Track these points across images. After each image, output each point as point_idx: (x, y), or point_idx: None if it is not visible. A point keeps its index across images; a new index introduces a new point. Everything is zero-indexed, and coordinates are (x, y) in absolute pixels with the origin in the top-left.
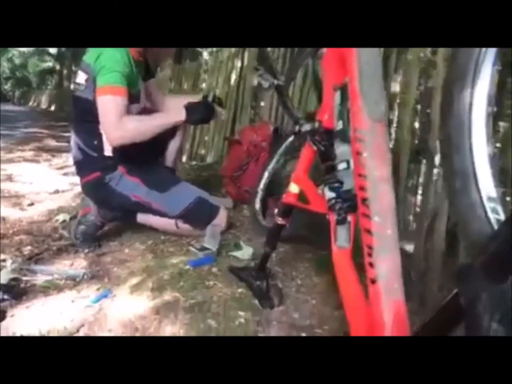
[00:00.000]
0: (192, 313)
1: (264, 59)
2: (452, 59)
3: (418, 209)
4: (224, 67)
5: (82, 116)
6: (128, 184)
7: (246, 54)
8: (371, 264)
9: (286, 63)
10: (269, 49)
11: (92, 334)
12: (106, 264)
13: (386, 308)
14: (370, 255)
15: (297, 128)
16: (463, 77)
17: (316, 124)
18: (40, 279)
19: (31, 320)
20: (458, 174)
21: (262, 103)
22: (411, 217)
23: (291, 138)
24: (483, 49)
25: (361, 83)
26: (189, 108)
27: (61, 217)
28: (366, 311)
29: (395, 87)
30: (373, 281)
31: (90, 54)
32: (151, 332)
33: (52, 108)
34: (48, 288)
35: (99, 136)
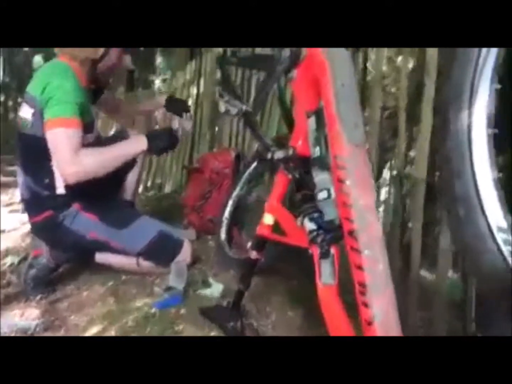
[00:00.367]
0: None
1: (228, 85)
2: (446, 78)
3: None
4: (179, 94)
5: (30, 154)
6: (83, 222)
7: (202, 81)
8: (365, 304)
9: (250, 88)
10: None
11: None
12: (62, 312)
13: None
14: (363, 293)
15: (269, 155)
16: (458, 97)
17: (290, 151)
18: None
19: None
20: (461, 201)
21: (216, 129)
22: None
23: (254, 164)
24: (479, 66)
25: (338, 107)
26: (151, 136)
27: (8, 260)
28: None
29: None
30: (369, 323)
31: (35, 85)
32: None
33: None
34: None
35: (50, 174)
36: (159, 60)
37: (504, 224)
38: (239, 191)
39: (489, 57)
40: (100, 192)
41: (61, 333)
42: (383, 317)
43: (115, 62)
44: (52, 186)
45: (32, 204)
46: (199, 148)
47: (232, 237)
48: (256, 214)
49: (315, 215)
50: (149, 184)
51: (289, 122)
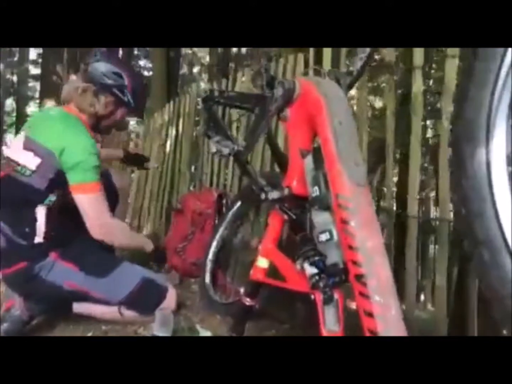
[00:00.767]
0: None
1: (216, 125)
2: (459, 117)
3: None
4: (158, 135)
5: (16, 201)
6: (61, 272)
7: (180, 122)
8: None
9: (240, 127)
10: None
11: None
12: None
13: None
14: None
15: (263, 195)
16: (474, 134)
17: (285, 191)
18: None
19: None
20: (484, 244)
21: (193, 168)
22: None
23: (238, 204)
24: (495, 102)
25: (337, 145)
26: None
27: None
28: None
29: None
30: None
31: (47, 137)
32: None
33: None
34: None
35: (33, 222)
36: None
37: None
38: (223, 232)
39: (504, 94)
40: (78, 239)
41: None
42: None
43: (118, 119)
44: (31, 236)
45: (6, 255)
46: (178, 188)
47: (216, 280)
48: (241, 256)
49: (316, 258)
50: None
51: (280, 160)
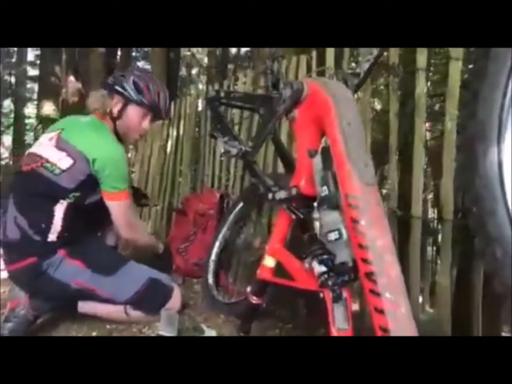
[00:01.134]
0: None
1: (222, 126)
2: (471, 116)
3: None
4: (159, 136)
5: (38, 196)
6: (68, 269)
7: (181, 123)
8: None
9: (249, 128)
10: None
11: None
12: None
13: None
14: None
15: (270, 195)
16: (486, 134)
17: (293, 191)
18: None
19: None
20: (497, 241)
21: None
22: None
23: (240, 205)
24: (506, 102)
25: (346, 146)
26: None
27: None
28: None
29: None
30: None
31: (81, 141)
32: None
33: None
34: None
35: (50, 218)
36: None
37: None
38: (226, 232)
39: None
40: (86, 238)
41: None
42: None
43: (134, 122)
44: (46, 232)
45: (16, 248)
46: (179, 189)
47: (219, 280)
48: (243, 256)
49: (325, 256)
50: None
51: (285, 161)
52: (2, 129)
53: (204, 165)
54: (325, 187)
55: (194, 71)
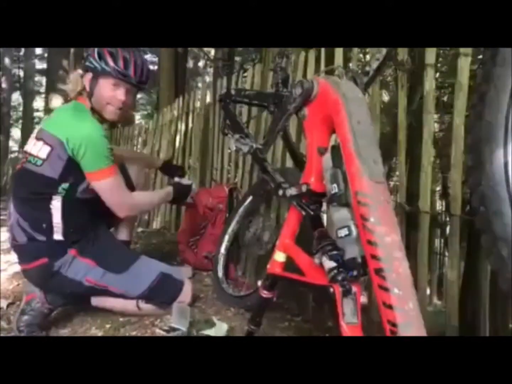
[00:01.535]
0: None
1: (234, 123)
2: (477, 117)
3: None
4: (167, 131)
5: (31, 193)
6: (80, 268)
7: (190, 117)
8: None
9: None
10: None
11: None
12: None
13: None
14: (394, 333)
15: (280, 192)
16: (492, 136)
17: (304, 188)
18: None
19: None
20: (502, 240)
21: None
22: None
23: (249, 199)
24: None
25: (356, 144)
26: (176, 190)
27: None
28: None
29: None
30: None
31: (55, 125)
32: None
33: None
34: None
35: (49, 217)
36: (139, 95)
37: None
38: (235, 226)
39: None
40: (95, 233)
41: None
42: None
43: (106, 95)
44: (49, 231)
45: (26, 250)
46: None
47: (229, 273)
48: (253, 250)
49: (335, 252)
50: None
51: (295, 158)
52: (11, 122)
53: (212, 160)
54: (334, 185)
55: (200, 63)
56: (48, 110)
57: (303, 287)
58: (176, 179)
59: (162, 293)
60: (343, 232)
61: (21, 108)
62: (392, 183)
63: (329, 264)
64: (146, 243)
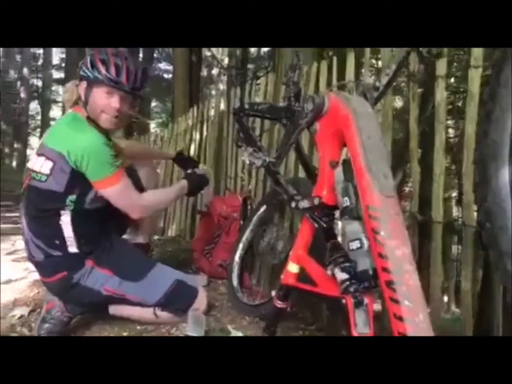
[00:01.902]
0: None
1: (248, 137)
2: (483, 136)
3: None
4: (182, 140)
5: (39, 209)
6: (98, 278)
7: (205, 126)
8: None
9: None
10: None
11: None
12: None
13: None
14: None
15: (293, 204)
16: (498, 153)
17: (316, 201)
18: None
19: None
20: (508, 256)
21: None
22: None
23: (263, 208)
24: None
25: (366, 158)
26: (190, 181)
27: (17, 312)
28: None
29: None
30: None
31: (54, 139)
32: None
33: None
34: None
35: (60, 233)
36: (154, 103)
37: None
38: (249, 235)
39: None
40: (110, 243)
41: None
42: None
43: (100, 103)
44: (63, 246)
45: (44, 265)
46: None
47: (243, 282)
48: (266, 259)
49: (347, 264)
50: None
51: (308, 170)
52: (29, 131)
53: (227, 169)
54: (346, 198)
55: (214, 72)
56: None
57: (316, 297)
58: (189, 170)
59: (178, 299)
60: (355, 245)
61: (39, 117)
62: (407, 189)
63: (341, 275)
64: (162, 251)
